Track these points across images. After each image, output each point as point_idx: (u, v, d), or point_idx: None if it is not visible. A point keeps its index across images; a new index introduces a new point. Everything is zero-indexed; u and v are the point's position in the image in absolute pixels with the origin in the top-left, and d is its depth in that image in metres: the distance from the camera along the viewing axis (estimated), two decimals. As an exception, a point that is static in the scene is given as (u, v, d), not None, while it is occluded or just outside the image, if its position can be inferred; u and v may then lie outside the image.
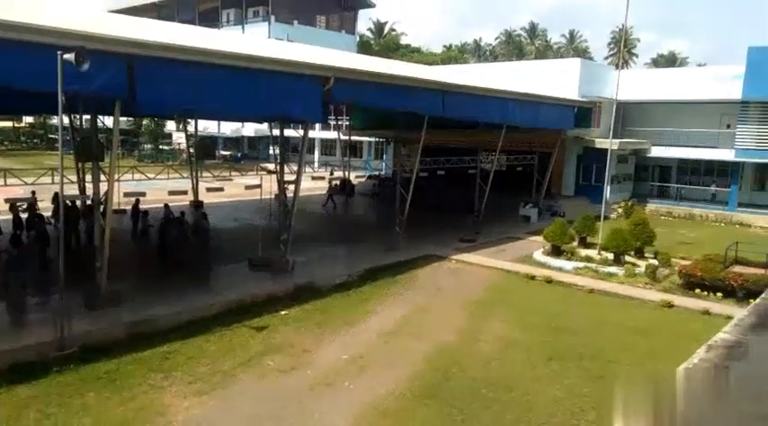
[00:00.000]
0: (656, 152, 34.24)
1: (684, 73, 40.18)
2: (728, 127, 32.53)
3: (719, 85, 31.19)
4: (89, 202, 16.41)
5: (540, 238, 22.31)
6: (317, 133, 48.16)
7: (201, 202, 27.08)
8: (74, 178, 21.36)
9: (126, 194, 20.08)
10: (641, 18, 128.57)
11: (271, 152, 41.61)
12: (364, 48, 66.50)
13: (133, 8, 53.42)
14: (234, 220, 25.81)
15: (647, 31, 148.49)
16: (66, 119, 22.28)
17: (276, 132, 23.82)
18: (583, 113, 30.73)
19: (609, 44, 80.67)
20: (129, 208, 22.43)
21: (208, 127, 52.38)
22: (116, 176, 14.94)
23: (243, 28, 54.85)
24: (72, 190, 20.00)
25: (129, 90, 11.97)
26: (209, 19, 55.66)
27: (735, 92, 30.08)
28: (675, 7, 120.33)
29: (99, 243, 13.54)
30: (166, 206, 21.15)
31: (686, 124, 33.40)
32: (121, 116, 14.67)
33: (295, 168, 18.33)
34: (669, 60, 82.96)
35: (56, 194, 20.64)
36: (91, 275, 13.61)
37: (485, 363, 12.09)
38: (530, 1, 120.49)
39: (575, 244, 21.55)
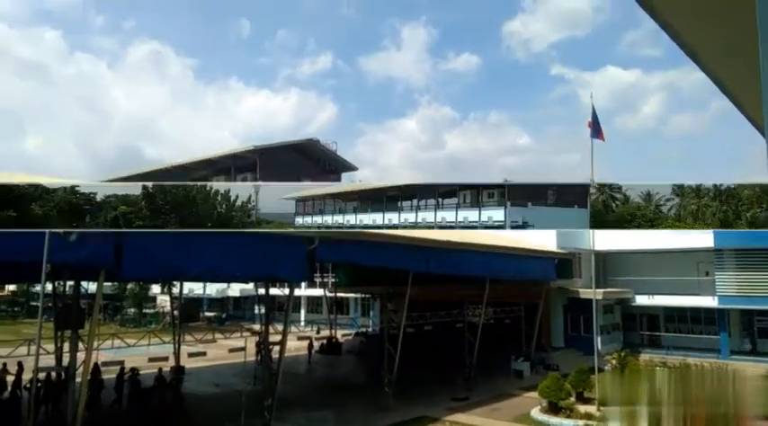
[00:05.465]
0: (641, 300, 34.38)
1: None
2: (707, 274, 33.14)
3: (692, 234, 32.41)
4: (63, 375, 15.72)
5: (535, 394, 21.44)
6: (302, 291, 48.07)
7: (183, 368, 26.02)
8: (51, 348, 20.70)
9: (104, 363, 19.39)
10: (610, 171, 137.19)
11: (256, 311, 41.10)
12: (349, 207, 69.00)
13: (122, 178, 55.90)
14: (215, 385, 24.66)
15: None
16: (49, 286, 22.16)
17: (262, 291, 23.80)
18: (564, 264, 31.34)
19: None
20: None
21: (193, 288, 52.23)
22: (95, 344, 14.53)
23: (232, 193, 57.15)
24: (48, 360, 19.29)
25: (115, 258, 12.13)
26: (199, 186, 58.16)
27: (707, 240, 31.14)
28: (635, 162, 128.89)
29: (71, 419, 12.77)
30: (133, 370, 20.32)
31: (666, 272, 33.95)
32: (106, 281, 14.68)
33: (280, 328, 18.04)
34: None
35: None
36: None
37: None
38: (500, 160, 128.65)
39: (572, 399, 20.71)
